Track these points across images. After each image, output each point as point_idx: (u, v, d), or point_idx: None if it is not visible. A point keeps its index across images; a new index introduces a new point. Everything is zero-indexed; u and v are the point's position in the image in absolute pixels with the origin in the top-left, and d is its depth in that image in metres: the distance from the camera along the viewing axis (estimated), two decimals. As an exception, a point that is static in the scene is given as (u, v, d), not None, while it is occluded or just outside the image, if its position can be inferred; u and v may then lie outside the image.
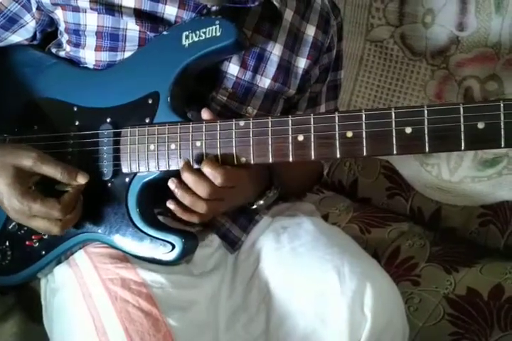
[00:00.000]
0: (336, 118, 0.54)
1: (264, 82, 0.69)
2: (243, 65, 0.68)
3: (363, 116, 0.53)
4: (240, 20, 0.67)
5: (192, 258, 0.66)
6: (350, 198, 1.12)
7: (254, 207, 0.70)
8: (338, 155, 0.54)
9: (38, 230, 0.62)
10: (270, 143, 0.56)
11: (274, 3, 0.68)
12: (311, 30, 0.72)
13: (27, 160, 0.59)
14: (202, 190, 0.57)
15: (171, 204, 0.59)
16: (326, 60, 0.76)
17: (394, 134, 0.51)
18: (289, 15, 0.70)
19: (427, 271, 0.88)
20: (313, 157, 0.54)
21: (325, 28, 0.74)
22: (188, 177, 0.57)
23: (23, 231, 0.68)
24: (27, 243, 0.68)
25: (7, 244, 0.70)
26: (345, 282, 0.58)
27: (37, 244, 0.68)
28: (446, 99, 1.00)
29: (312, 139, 0.54)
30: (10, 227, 0.69)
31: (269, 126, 0.57)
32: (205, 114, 0.61)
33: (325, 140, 0.54)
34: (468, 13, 0.95)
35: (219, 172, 0.56)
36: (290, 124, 0.56)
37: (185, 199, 0.58)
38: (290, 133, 0.55)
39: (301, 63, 0.72)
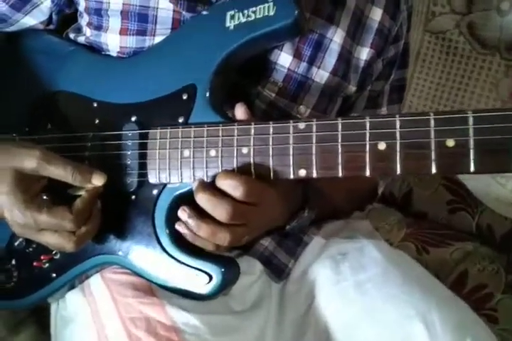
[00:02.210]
0: (432, 122, 0.41)
1: (322, 75, 0.57)
2: (297, 55, 0.56)
3: (470, 119, 0.39)
4: None
5: (230, 290, 0.54)
6: (402, 212, 0.99)
7: (287, 229, 0.57)
8: (433, 171, 0.41)
9: (49, 246, 0.51)
10: (340, 151, 0.44)
11: None
12: (377, 15, 0.59)
13: (29, 161, 0.48)
14: (221, 210, 0.45)
15: (180, 227, 0.48)
16: (391, 52, 0.64)
17: (515, 144, 0.38)
18: None
19: (504, 304, 0.74)
20: (398, 171, 0.42)
21: (394, 12, 0.61)
22: (202, 198, 0.46)
23: (31, 249, 0.58)
24: (35, 264, 0.57)
25: (13, 263, 0.59)
26: (437, 336, 0.45)
27: (46, 264, 0.57)
28: (524, 100, 0.86)
29: (398, 148, 0.41)
30: (16, 244, 0.58)
31: (339, 129, 0.44)
32: (240, 111, 0.49)
33: (416, 150, 0.41)
34: (554, -2, 0.81)
35: (239, 181, 0.45)
36: (368, 128, 0.43)
37: (202, 229, 0.46)
38: (367, 139, 0.43)
39: (363, 54, 0.59)
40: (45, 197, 0.54)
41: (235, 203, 0.45)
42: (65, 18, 0.65)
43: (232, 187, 0.45)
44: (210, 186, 0.46)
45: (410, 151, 0.41)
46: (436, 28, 0.94)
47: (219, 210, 0.45)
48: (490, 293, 0.76)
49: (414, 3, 0.96)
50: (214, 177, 0.48)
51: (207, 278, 0.49)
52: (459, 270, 0.82)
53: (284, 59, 0.56)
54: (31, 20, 0.62)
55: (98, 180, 0.50)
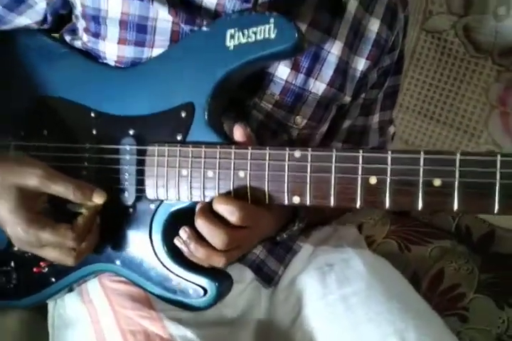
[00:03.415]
0: (421, 161, 0.43)
1: (318, 87, 0.58)
2: (295, 67, 0.57)
3: (457, 161, 0.42)
4: (293, 10, 0.55)
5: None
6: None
7: (277, 240, 0.60)
8: (419, 207, 0.43)
9: (48, 259, 0.54)
10: (333, 182, 0.46)
11: None
12: (374, 25, 0.60)
13: (32, 179, 0.49)
14: (217, 240, 0.47)
15: (178, 242, 0.50)
16: (387, 61, 0.64)
17: (497, 188, 0.40)
18: (352, 6, 0.58)
19: (475, 303, 0.79)
20: (387, 205, 0.44)
21: (391, 22, 0.61)
22: (202, 225, 0.48)
23: (30, 254, 0.59)
24: (35, 269, 0.59)
25: (12, 265, 0.61)
26: None
27: (46, 269, 0.59)
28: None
29: (388, 184, 0.44)
30: (15, 249, 0.59)
31: (333, 161, 0.46)
32: (238, 132, 0.51)
33: (404, 186, 0.43)
34: (551, 5, 0.81)
35: (235, 206, 0.47)
36: (361, 162, 0.45)
37: (199, 252, 0.49)
38: (360, 172, 0.45)
39: (360, 65, 0.60)
40: (45, 206, 0.56)
41: (231, 232, 0.47)
42: (60, 17, 0.63)
43: (228, 212, 0.47)
44: (209, 210, 0.48)
45: (399, 187, 0.43)
46: (432, 27, 0.94)
47: (216, 239, 0.47)
48: (463, 292, 0.80)
49: (412, 0, 0.95)
50: (211, 197, 0.50)
51: (202, 291, 0.52)
52: (437, 268, 0.86)
53: (281, 71, 0.57)
54: (26, 20, 0.60)
55: (99, 198, 0.51)
